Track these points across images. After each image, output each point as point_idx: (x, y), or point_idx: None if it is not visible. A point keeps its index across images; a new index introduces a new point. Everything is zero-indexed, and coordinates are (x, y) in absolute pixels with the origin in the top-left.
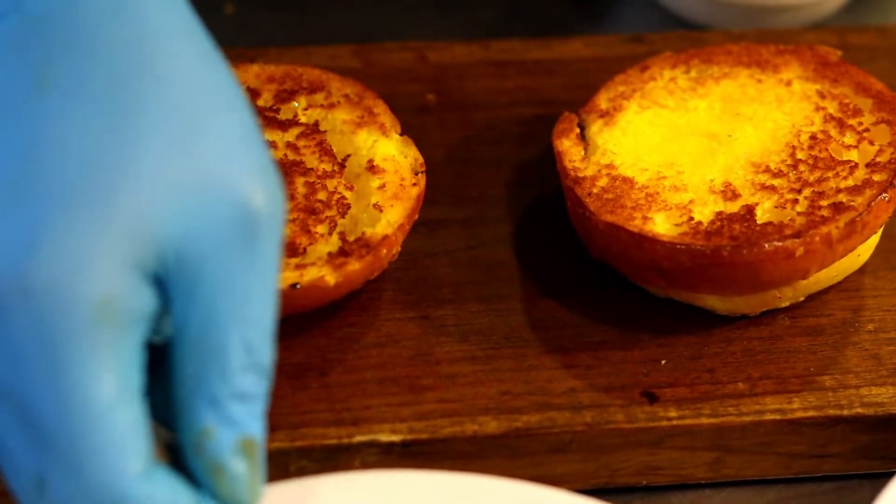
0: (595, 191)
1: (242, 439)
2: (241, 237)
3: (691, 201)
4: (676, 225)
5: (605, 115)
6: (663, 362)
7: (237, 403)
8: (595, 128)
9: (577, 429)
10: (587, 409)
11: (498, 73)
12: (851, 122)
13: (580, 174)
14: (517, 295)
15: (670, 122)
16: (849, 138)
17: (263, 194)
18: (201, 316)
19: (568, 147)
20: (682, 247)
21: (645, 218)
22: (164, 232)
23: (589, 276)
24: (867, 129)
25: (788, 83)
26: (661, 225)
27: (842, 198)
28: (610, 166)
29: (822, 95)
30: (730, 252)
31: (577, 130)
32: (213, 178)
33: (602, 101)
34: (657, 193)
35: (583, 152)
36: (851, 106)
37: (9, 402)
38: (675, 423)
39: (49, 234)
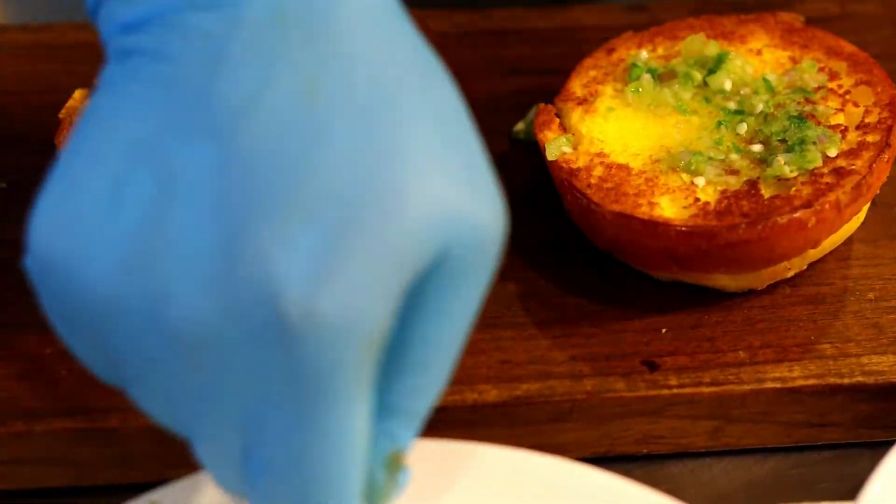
0: (593, 181)
1: (392, 452)
2: (476, 261)
3: (692, 182)
4: (684, 207)
5: (583, 102)
6: (664, 331)
7: (403, 419)
8: (575, 116)
9: (577, 397)
10: (588, 377)
11: (498, 42)
12: (831, 85)
13: (573, 166)
14: (517, 264)
15: (649, 103)
16: (833, 102)
17: (497, 223)
18: (410, 333)
19: (553, 139)
20: (698, 229)
21: (651, 204)
22: (425, 253)
23: (591, 247)
24: (848, 92)
25: (759, 52)
26: (668, 209)
27: (841, 162)
28: (601, 154)
29: (794, 62)
30: (745, 229)
31: (557, 120)
32: (465, 198)
33: (576, 87)
34: (656, 177)
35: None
36: (827, 70)
37: (257, 424)
38: (675, 391)
39: (337, 262)
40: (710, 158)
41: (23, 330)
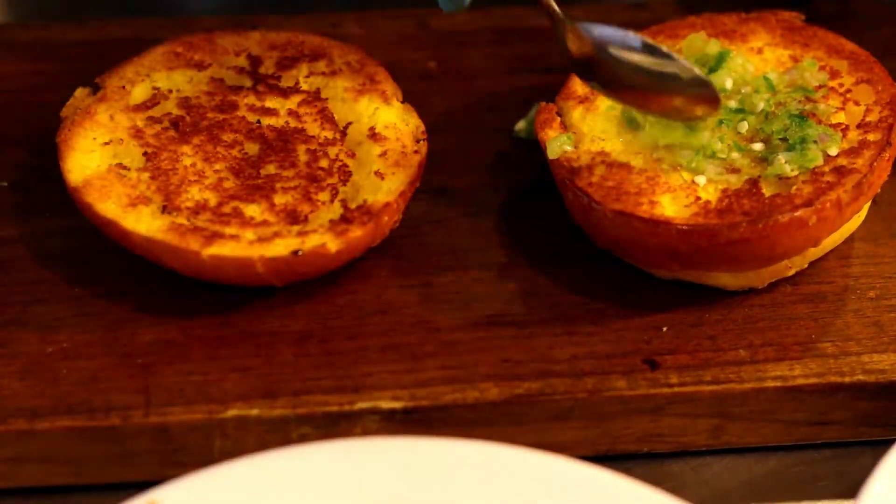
0: (594, 180)
1: None
2: None
3: (693, 180)
4: (685, 206)
5: (585, 100)
6: (665, 329)
7: None
8: (577, 115)
9: (578, 396)
10: (588, 376)
11: (499, 41)
12: (832, 83)
13: (574, 164)
14: (519, 263)
15: None
16: (834, 101)
17: None
18: None
19: (554, 138)
20: (699, 228)
21: (652, 202)
22: None
23: (591, 245)
24: (849, 90)
25: (760, 51)
26: (670, 207)
27: (842, 161)
28: (602, 153)
29: (795, 60)
30: (746, 228)
31: (559, 119)
32: None
33: (577, 86)
34: (657, 176)
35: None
36: (828, 68)
37: None
38: (676, 389)
39: None
40: (712, 157)
41: (23, 329)
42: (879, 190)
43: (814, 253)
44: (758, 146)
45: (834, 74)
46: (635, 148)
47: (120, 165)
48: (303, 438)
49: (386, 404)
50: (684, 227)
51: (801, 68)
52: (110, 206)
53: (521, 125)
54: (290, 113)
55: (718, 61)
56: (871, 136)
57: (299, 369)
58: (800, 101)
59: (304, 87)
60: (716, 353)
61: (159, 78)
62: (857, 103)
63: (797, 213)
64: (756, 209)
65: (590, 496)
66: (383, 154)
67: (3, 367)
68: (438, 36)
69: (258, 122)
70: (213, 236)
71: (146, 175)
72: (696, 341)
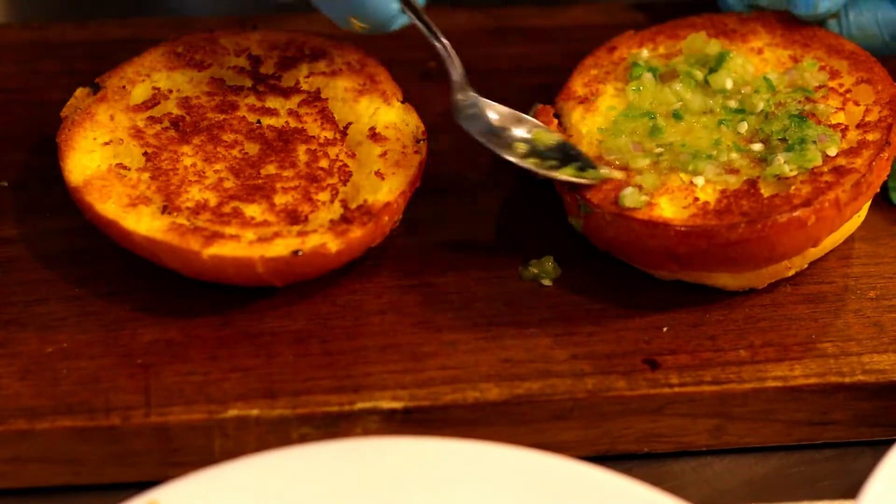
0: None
1: None
2: None
3: (692, 181)
4: (684, 207)
5: (584, 101)
6: (665, 329)
7: None
8: (576, 115)
9: (578, 396)
10: (589, 376)
11: (499, 41)
12: (832, 84)
13: None
14: (519, 263)
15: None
16: (834, 101)
17: None
18: None
19: None
20: (698, 229)
21: (650, 204)
22: None
23: (591, 245)
24: (849, 90)
25: (760, 51)
26: (668, 209)
27: (841, 161)
28: (601, 155)
29: (795, 60)
30: (744, 228)
31: (556, 121)
32: None
33: (577, 87)
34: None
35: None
36: (828, 68)
37: None
38: (676, 389)
39: None
40: (710, 157)
41: (23, 329)
42: (879, 190)
43: (814, 253)
44: (757, 146)
45: (834, 74)
46: None
47: (120, 165)
48: (303, 438)
49: (386, 404)
50: (683, 229)
51: (801, 68)
52: (110, 206)
53: None
54: (291, 113)
55: (718, 61)
56: (870, 136)
57: (299, 369)
58: (800, 102)
59: (305, 87)
60: (716, 353)
61: (159, 78)
62: (856, 103)
63: (796, 214)
64: (755, 210)
65: (590, 496)
66: (383, 154)
67: (3, 367)
68: None
69: (258, 122)
70: (214, 236)
71: (146, 175)
72: (697, 341)
